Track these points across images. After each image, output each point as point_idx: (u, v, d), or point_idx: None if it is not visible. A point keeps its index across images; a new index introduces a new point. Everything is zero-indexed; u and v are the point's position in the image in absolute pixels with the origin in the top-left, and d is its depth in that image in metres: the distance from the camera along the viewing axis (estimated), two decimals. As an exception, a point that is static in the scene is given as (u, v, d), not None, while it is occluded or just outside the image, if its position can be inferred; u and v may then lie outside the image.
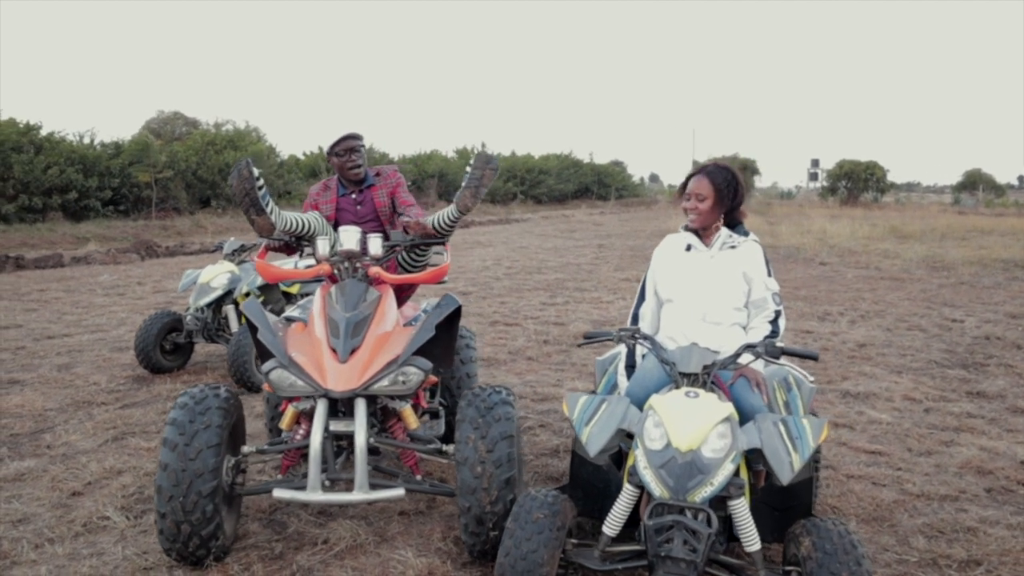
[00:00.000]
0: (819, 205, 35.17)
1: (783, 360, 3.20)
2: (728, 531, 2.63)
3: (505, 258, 14.04)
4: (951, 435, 4.52)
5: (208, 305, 5.79)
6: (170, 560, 2.91)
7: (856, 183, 37.10)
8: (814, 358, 2.73)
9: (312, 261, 3.56)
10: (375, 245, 3.22)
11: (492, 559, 2.78)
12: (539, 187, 35.15)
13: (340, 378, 2.84)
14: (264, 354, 3.10)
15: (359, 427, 2.81)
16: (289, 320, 3.43)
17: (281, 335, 3.04)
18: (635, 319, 3.20)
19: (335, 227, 3.74)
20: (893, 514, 3.45)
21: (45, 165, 17.16)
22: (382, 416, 3.14)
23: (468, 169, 3.49)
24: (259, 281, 5.88)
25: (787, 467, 2.43)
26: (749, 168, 36.61)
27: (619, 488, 2.63)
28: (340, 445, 3.08)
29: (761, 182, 43.12)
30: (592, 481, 3.01)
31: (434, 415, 3.76)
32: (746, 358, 2.83)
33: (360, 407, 2.86)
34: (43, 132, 18.26)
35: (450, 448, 3.00)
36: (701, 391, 2.54)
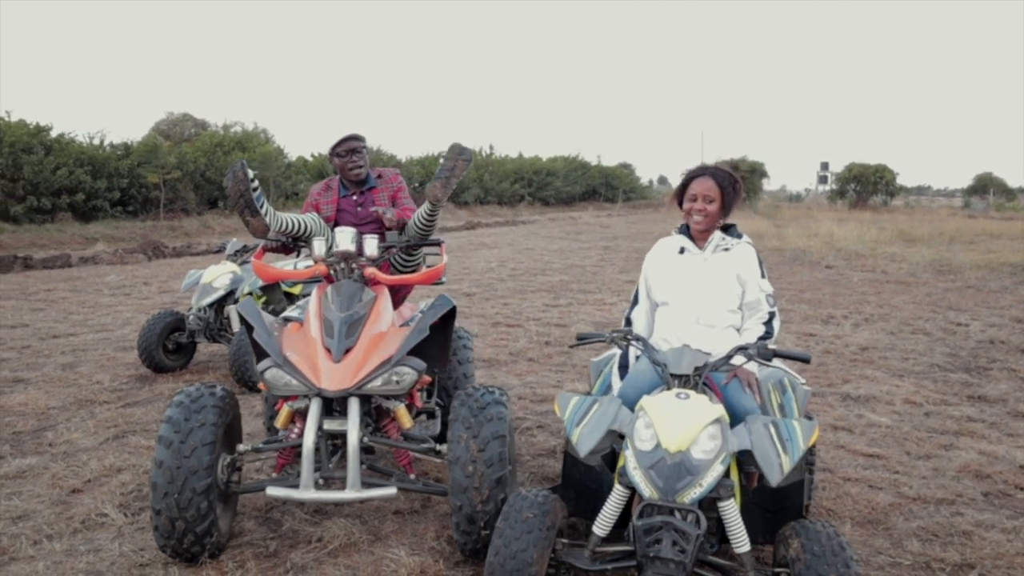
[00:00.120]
0: (827, 208, 35.04)
1: (779, 364, 3.21)
2: (720, 532, 2.63)
3: (510, 260, 14.06)
4: (950, 439, 4.50)
5: (210, 305, 5.84)
6: (165, 557, 2.93)
7: (865, 186, 36.96)
8: (806, 360, 2.73)
9: (311, 262, 3.59)
10: (371, 246, 3.25)
11: (484, 558, 2.79)
12: (546, 189, 35.18)
13: (334, 378, 2.87)
14: (260, 353, 3.13)
15: (352, 426, 2.83)
16: (287, 320, 3.46)
17: (276, 335, 3.07)
18: (628, 322, 3.21)
19: (335, 228, 3.77)
20: (888, 517, 3.45)
21: (55, 166, 17.30)
22: (376, 415, 3.16)
23: (442, 160, 3.47)
24: (261, 281, 5.92)
25: (777, 469, 2.43)
26: (757, 171, 36.48)
27: (611, 489, 2.64)
28: (335, 444, 3.10)
29: (769, 185, 43.01)
30: (584, 482, 3.01)
31: (431, 415, 3.78)
32: (738, 360, 2.84)
33: (353, 406, 2.88)
34: (53, 133, 18.42)
35: (444, 447, 3.02)
36: (692, 392, 2.55)
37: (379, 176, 4.01)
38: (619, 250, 16.09)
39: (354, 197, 3.93)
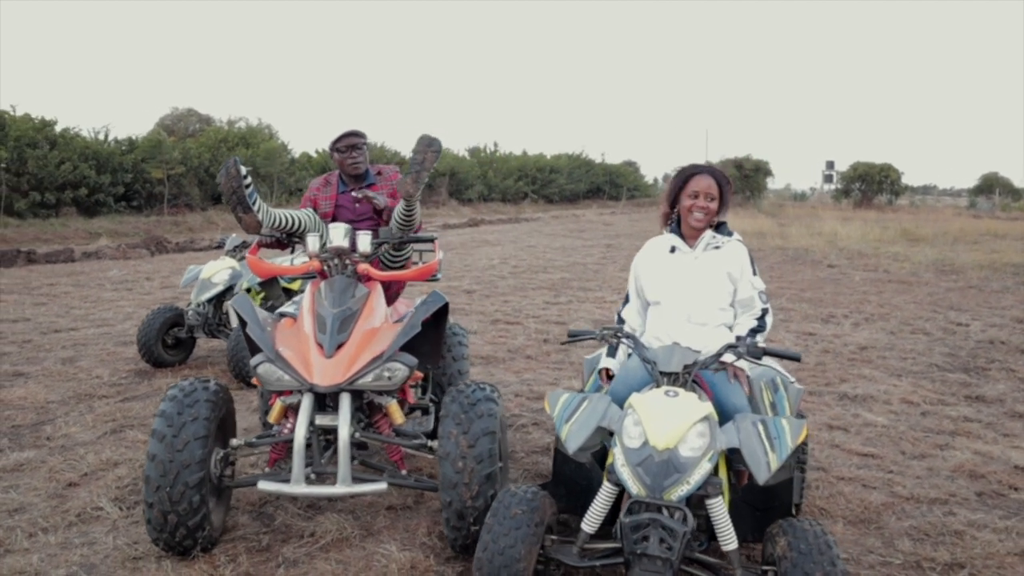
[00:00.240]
0: (832, 207, 34.94)
1: (772, 363, 3.22)
2: (709, 530, 2.64)
3: (512, 257, 14.07)
4: (946, 439, 4.50)
5: (209, 300, 5.86)
6: (159, 550, 2.96)
7: (870, 185, 36.85)
8: (796, 359, 2.73)
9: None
10: (364, 242, 3.26)
11: (474, 554, 2.81)
12: (550, 187, 35.16)
13: (326, 373, 2.88)
14: (254, 348, 3.15)
15: (343, 421, 2.85)
16: (282, 315, 3.48)
17: (270, 330, 3.09)
18: (620, 320, 3.23)
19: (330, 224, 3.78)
20: (881, 516, 3.45)
21: (59, 160, 17.34)
22: (369, 411, 3.18)
23: (411, 155, 3.41)
24: (260, 277, 5.94)
25: (764, 467, 2.44)
26: (762, 169, 36.38)
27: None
28: (328, 440, 3.12)
29: (774, 183, 42.87)
30: (575, 479, 3.03)
31: (425, 411, 3.79)
32: (729, 358, 2.84)
33: (345, 402, 2.89)
34: (58, 128, 18.46)
35: (436, 443, 3.03)
36: (681, 390, 2.56)
37: (379, 173, 4.02)
38: (621, 248, 16.07)
39: (353, 193, 3.95)
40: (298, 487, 2.79)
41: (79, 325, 7.45)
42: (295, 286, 6.07)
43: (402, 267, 3.82)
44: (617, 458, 2.47)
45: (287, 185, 23.06)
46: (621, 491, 2.57)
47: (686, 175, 3.08)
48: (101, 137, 19.96)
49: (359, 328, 3.04)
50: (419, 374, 3.44)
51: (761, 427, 2.53)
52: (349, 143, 3.83)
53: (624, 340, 2.87)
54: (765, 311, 3.06)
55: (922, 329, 7.70)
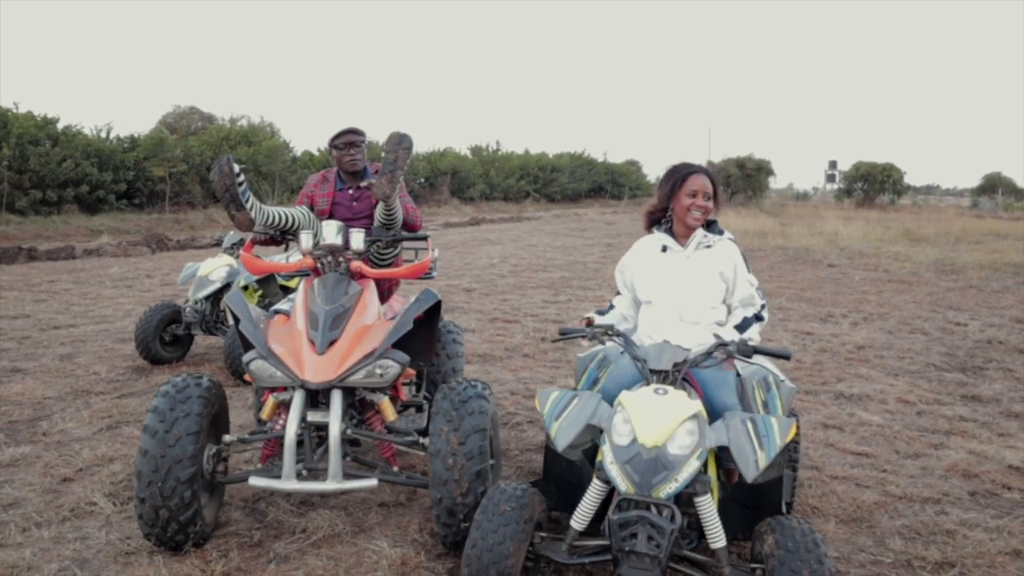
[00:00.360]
0: (834, 207, 34.89)
1: (765, 362, 3.22)
2: (699, 528, 2.64)
3: (512, 256, 14.07)
4: (941, 438, 4.50)
5: (207, 298, 5.88)
6: (151, 545, 2.97)
7: (872, 185, 36.79)
8: (786, 357, 2.73)
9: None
10: (357, 240, 3.27)
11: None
12: (552, 185, 35.13)
13: (317, 370, 2.89)
14: (247, 345, 3.16)
15: (334, 418, 2.86)
16: (276, 312, 3.49)
17: (262, 327, 3.10)
18: (610, 306, 3.27)
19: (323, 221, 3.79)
20: (873, 515, 3.45)
21: (61, 158, 17.37)
22: (360, 408, 3.19)
23: (383, 154, 3.37)
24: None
25: (752, 465, 2.44)
26: (764, 168, 36.36)
27: (593, 483, 2.65)
28: (320, 436, 3.13)
29: (776, 183, 42.81)
30: (566, 476, 3.03)
31: (419, 408, 3.80)
32: (719, 356, 2.84)
33: (336, 398, 2.90)
34: (60, 125, 18.49)
35: (427, 440, 3.04)
36: (670, 388, 2.56)
37: (376, 172, 4.03)
38: (622, 247, 16.03)
39: (350, 191, 3.96)
40: (288, 483, 2.80)
41: (78, 322, 7.47)
42: (293, 284, 6.07)
43: (390, 265, 3.83)
44: (606, 455, 2.47)
45: (289, 183, 23.07)
46: (611, 489, 2.58)
47: (683, 174, 3.09)
48: (103, 135, 20.00)
49: (351, 325, 3.05)
50: (411, 371, 3.44)
51: (750, 425, 2.53)
52: (348, 140, 3.84)
53: (615, 339, 2.87)
54: (763, 306, 3.10)
55: (920, 329, 7.70)
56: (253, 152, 21.97)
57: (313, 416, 2.94)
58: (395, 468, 3.14)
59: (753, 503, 2.88)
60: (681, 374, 2.66)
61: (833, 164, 44.80)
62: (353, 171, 3.92)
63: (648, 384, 2.63)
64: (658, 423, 2.42)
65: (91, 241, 14.56)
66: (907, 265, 12.96)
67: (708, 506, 2.47)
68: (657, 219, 3.22)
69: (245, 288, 5.89)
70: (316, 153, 26.47)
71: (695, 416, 2.48)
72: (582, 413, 2.62)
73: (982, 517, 3.45)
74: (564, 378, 5.66)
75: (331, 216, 3.91)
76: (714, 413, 2.76)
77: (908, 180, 38.54)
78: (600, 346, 3.36)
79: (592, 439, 2.70)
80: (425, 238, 3.67)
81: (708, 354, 2.73)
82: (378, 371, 2.96)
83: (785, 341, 6.99)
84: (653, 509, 2.37)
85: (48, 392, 5.12)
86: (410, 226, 3.89)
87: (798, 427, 3.49)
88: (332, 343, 2.98)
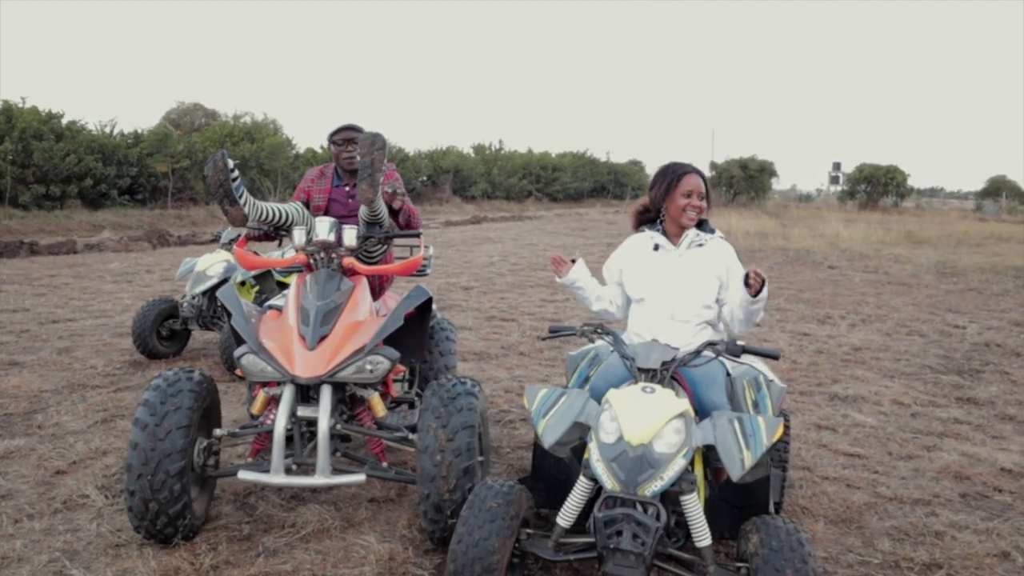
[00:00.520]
0: (837, 209, 34.85)
1: (755, 362, 3.23)
2: (686, 526, 2.65)
3: (512, 254, 14.08)
4: (934, 440, 4.50)
5: (204, 293, 5.89)
6: (141, 538, 2.98)
7: (876, 187, 36.74)
8: (775, 357, 2.74)
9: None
10: (349, 236, 3.28)
11: (450, 546, 2.83)
12: (554, 185, 35.12)
13: (307, 365, 2.91)
14: (239, 340, 3.17)
15: (323, 413, 2.87)
16: (270, 308, 3.50)
17: (254, 321, 3.11)
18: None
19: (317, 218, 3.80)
20: (862, 516, 3.46)
21: (64, 153, 17.40)
22: (351, 404, 3.20)
23: (358, 159, 3.29)
24: (255, 270, 5.96)
25: (738, 464, 2.44)
26: (767, 170, 36.32)
27: (582, 481, 2.66)
28: (311, 431, 3.14)
29: (779, 184, 42.78)
30: (554, 473, 3.04)
31: (411, 405, 3.82)
32: (708, 355, 2.85)
33: (325, 393, 2.92)
34: (64, 121, 18.53)
35: (416, 437, 3.05)
36: (658, 387, 2.57)
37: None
38: (623, 247, 16.05)
39: (347, 188, 3.97)
40: (277, 477, 2.81)
41: (77, 316, 7.50)
42: (290, 280, 6.09)
43: (379, 262, 3.83)
44: (592, 453, 2.48)
45: (291, 180, 23.09)
46: (598, 486, 2.58)
47: (677, 175, 3.10)
48: (107, 130, 20.04)
49: (343, 321, 3.06)
50: (402, 367, 3.45)
51: (737, 424, 2.53)
52: (347, 136, 3.85)
53: (604, 337, 2.88)
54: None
55: (918, 331, 7.69)
56: (256, 149, 21.99)
57: (303, 411, 2.95)
58: (385, 464, 3.15)
59: (740, 502, 2.88)
60: (669, 373, 2.66)
61: (837, 166, 44.74)
62: (351, 169, 3.92)
63: (636, 382, 2.64)
64: (645, 421, 2.43)
65: (93, 236, 14.60)
66: (907, 267, 12.95)
67: (694, 505, 2.47)
68: (648, 219, 3.23)
69: (243, 284, 5.90)
70: (319, 151, 26.49)
71: (682, 415, 2.48)
72: (569, 410, 2.63)
73: (972, 519, 3.45)
74: (559, 376, 5.67)
75: (327, 212, 3.93)
76: (703, 412, 2.77)
77: (912, 183, 38.52)
78: (591, 344, 3.37)
79: (580, 437, 2.71)
80: (418, 235, 3.68)
81: (697, 353, 2.74)
82: (368, 367, 2.97)
83: (782, 342, 6.99)
84: (638, 507, 2.37)
85: (44, 385, 5.14)
86: (409, 227, 3.89)
87: (787, 427, 3.50)
88: (323, 338, 2.99)
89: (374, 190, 3.25)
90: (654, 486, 2.37)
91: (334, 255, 3.29)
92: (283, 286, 6.13)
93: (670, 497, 2.52)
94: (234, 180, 3.19)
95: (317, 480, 2.82)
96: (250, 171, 21.28)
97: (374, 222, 3.55)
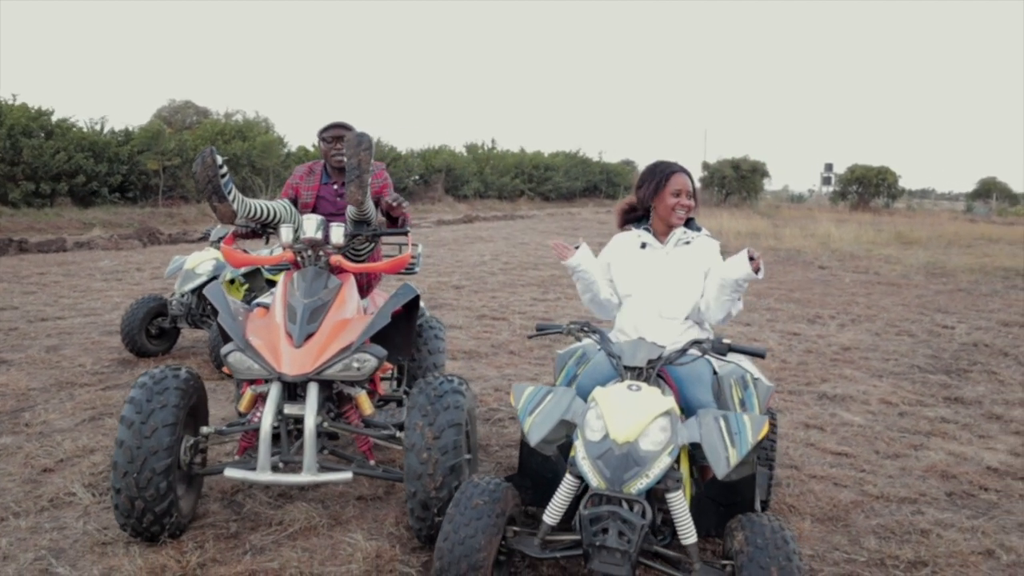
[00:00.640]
0: (829, 209, 34.99)
1: (742, 361, 3.24)
2: (672, 524, 2.66)
3: (504, 253, 14.08)
4: (921, 439, 4.53)
5: (193, 291, 5.87)
6: (127, 536, 2.97)
7: (867, 188, 36.90)
8: (761, 355, 2.75)
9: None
10: (337, 234, 3.27)
11: (436, 544, 2.83)
12: (546, 184, 35.13)
13: (294, 362, 2.90)
14: (226, 337, 3.17)
15: (309, 411, 2.86)
16: (259, 305, 3.49)
17: (241, 319, 3.10)
18: None
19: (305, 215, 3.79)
20: (849, 514, 3.47)
21: (54, 150, 17.30)
22: (338, 401, 3.19)
23: (345, 160, 3.26)
24: (244, 268, 5.94)
25: (723, 462, 2.45)
26: (759, 170, 36.42)
27: (568, 479, 2.66)
28: (298, 429, 3.13)
29: (771, 185, 42.92)
30: (541, 471, 3.04)
31: (399, 403, 3.81)
32: (694, 353, 2.86)
33: (312, 391, 2.91)
34: (54, 118, 18.41)
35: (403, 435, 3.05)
36: (644, 385, 2.57)
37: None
38: (615, 246, 16.07)
39: (335, 187, 3.96)
40: (263, 474, 2.80)
41: (66, 314, 7.46)
42: (279, 278, 6.07)
43: (366, 260, 3.83)
44: (578, 451, 2.49)
45: (283, 179, 23.01)
46: (584, 484, 2.59)
47: (666, 174, 3.11)
48: (98, 128, 19.92)
49: (329, 319, 3.06)
50: (389, 365, 3.44)
51: (722, 422, 2.54)
52: (336, 134, 3.84)
53: (591, 335, 2.88)
54: None
55: (907, 331, 7.73)
56: (247, 147, 21.90)
57: (290, 409, 2.95)
58: (372, 462, 3.15)
59: (726, 500, 2.89)
60: (655, 371, 2.67)
61: (829, 167, 44.91)
62: (339, 167, 3.92)
63: (623, 380, 2.65)
64: (630, 419, 2.44)
65: (83, 234, 14.52)
66: (897, 268, 13.02)
67: (679, 502, 2.48)
68: (634, 218, 3.24)
69: (232, 282, 5.88)
70: (311, 149, 26.41)
71: (667, 413, 2.49)
72: (556, 408, 2.64)
73: (957, 517, 3.47)
74: (548, 375, 5.68)
75: (315, 210, 3.92)
76: (689, 410, 2.78)
77: (903, 184, 38.73)
78: (578, 343, 3.38)
79: (566, 434, 2.71)
80: (406, 233, 3.68)
81: (683, 351, 2.75)
82: (355, 365, 2.96)
83: (771, 341, 7.02)
84: (624, 504, 2.38)
85: (32, 383, 5.11)
86: (395, 225, 3.89)
87: (773, 425, 3.51)
88: (309, 336, 2.98)
89: (363, 192, 3.22)
90: (640, 484, 2.38)
91: (321, 253, 3.29)
92: (272, 284, 6.11)
93: (656, 495, 2.53)
94: (223, 176, 3.18)
95: (304, 478, 2.81)
96: (241, 169, 21.20)
97: (363, 219, 3.55)
